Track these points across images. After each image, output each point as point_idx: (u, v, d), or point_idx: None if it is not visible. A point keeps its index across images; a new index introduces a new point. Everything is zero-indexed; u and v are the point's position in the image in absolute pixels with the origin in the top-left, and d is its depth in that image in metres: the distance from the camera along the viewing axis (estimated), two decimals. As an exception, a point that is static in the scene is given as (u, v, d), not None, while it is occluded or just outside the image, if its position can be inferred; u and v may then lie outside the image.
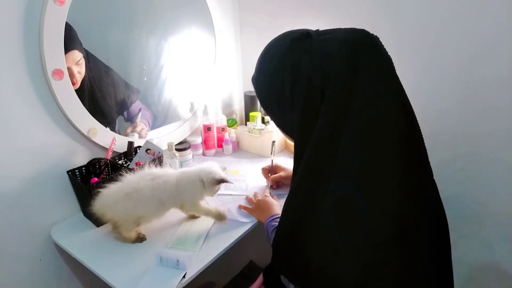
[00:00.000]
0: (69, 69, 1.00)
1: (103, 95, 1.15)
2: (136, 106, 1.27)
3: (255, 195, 1.15)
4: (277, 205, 1.04)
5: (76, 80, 1.04)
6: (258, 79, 0.72)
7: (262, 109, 0.81)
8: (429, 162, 0.63)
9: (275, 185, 1.22)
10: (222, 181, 1.01)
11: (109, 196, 0.94)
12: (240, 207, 1.11)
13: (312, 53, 0.60)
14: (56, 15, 0.93)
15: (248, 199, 1.16)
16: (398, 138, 0.58)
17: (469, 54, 1.07)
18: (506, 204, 1.15)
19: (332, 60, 0.59)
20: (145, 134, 1.29)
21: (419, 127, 0.62)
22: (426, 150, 0.62)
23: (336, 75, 0.58)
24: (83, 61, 1.05)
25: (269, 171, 1.23)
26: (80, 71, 1.05)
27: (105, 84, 1.16)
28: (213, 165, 1.03)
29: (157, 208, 0.97)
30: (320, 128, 0.60)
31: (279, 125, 0.74)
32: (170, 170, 1.03)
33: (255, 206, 1.08)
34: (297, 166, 0.65)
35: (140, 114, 1.26)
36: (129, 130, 1.26)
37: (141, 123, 1.28)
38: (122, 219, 0.94)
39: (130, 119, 1.27)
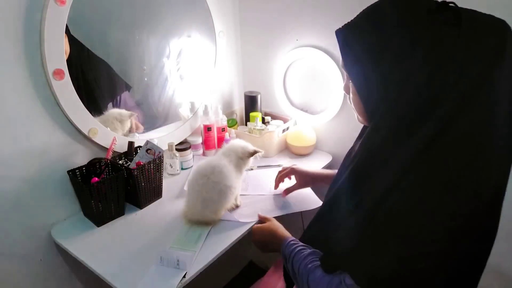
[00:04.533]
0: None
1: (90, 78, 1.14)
2: (124, 96, 1.25)
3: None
4: (281, 227, 0.95)
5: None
6: (373, 30, 0.61)
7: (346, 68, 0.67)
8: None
9: (285, 195, 1.18)
10: (255, 152, 1.09)
11: (190, 209, 1.04)
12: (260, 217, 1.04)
13: (459, 29, 0.54)
14: (57, 15, 0.93)
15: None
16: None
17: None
18: (506, 204, 1.14)
19: (479, 49, 0.54)
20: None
21: None
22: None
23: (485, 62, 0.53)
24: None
25: (281, 179, 1.19)
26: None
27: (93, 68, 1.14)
28: (241, 141, 1.13)
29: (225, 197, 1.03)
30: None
31: (372, 93, 0.63)
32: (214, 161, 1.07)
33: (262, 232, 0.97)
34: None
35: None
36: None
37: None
38: (210, 218, 1.04)
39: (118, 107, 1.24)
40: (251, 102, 1.60)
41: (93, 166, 1.08)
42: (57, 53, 0.96)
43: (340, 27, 0.66)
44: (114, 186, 1.05)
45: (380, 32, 0.59)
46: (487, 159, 0.55)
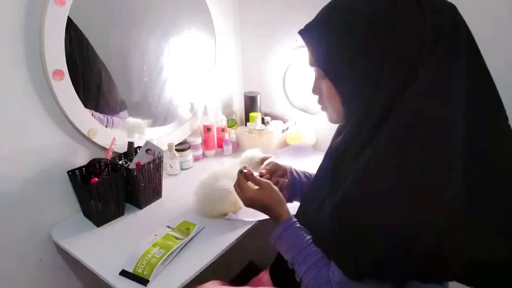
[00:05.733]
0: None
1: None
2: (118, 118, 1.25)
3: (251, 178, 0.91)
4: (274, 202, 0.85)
5: None
6: (333, 30, 0.61)
7: (317, 65, 0.67)
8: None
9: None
10: (264, 159, 1.12)
11: (204, 206, 1.08)
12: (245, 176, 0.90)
13: (421, 6, 0.56)
14: (56, 15, 0.93)
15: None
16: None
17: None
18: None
19: (442, 18, 0.56)
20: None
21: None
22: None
23: (447, 32, 0.55)
24: None
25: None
26: None
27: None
28: (252, 150, 1.18)
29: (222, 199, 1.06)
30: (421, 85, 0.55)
31: (349, 93, 0.64)
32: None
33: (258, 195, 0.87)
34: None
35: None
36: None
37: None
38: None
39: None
40: (250, 103, 1.60)
41: (93, 166, 1.09)
42: (57, 53, 0.96)
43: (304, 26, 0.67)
44: (113, 186, 1.05)
45: (353, 31, 0.60)
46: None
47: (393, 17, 0.56)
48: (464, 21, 0.58)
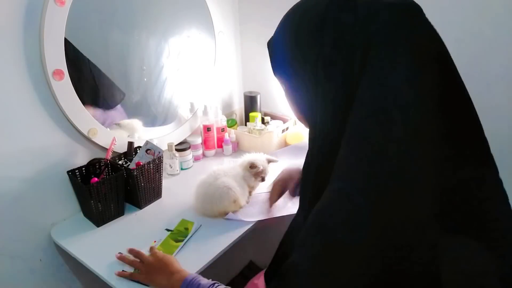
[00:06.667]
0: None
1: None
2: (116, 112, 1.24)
3: (136, 253, 0.89)
4: (175, 261, 0.85)
5: None
6: (281, 38, 0.62)
7: (280, 78, 0.66)
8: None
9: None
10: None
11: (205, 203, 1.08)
12: (118, 274, 0.87)
13: (356, 12, 0.52)
14: (56, 15, 0.93)
15: (122, 259, 0.89)
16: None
17: (469, 54, 1.07)
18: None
19: (377, 23, 0.51)
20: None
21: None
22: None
23: (380, 40, 0.50)
24: None
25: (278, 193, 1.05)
26: None
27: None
28: (253, 154, 1.20)
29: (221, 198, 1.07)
30: (363, 99, 0.50)
31: (298, 97, 0.63)
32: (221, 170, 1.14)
33: (146, 269, 0.85)
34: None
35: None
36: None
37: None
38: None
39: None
40: (250, 102, 1.60)
41: (93, 166, 1.09)
42: (57, 53, 0.96)
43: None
44: (113, 186, 1.05)
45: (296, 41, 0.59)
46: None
47: (321, 28, 0.54)
48: (422, 24, 0.53)
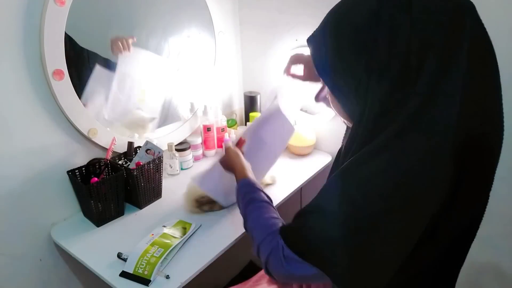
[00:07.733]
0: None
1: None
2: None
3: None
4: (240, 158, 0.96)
5: None
6: (326, 36, 0.61)
7: (323, 77, 0.65)
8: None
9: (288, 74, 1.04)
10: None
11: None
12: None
13: (410, 10, 0.51)
14: (56, 15, 0.93)
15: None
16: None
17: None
18: (506, 204, 1.14)
19: (433, 23, 0.50)
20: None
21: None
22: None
23: (439, 43, 0.50)
24: None
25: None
26: None
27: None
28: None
29: None
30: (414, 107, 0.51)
31: (342, 97, 0.63)
32: None
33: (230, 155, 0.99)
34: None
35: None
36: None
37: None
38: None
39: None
40: (250, 102, 1.60)
41: (93, 166, 1.09)
42: (57, 53, 0.96)
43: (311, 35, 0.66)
44: (113, 186, 1.05)
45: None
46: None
47: (375, 26, 0.53)
48: (476, 24, 0.52)
